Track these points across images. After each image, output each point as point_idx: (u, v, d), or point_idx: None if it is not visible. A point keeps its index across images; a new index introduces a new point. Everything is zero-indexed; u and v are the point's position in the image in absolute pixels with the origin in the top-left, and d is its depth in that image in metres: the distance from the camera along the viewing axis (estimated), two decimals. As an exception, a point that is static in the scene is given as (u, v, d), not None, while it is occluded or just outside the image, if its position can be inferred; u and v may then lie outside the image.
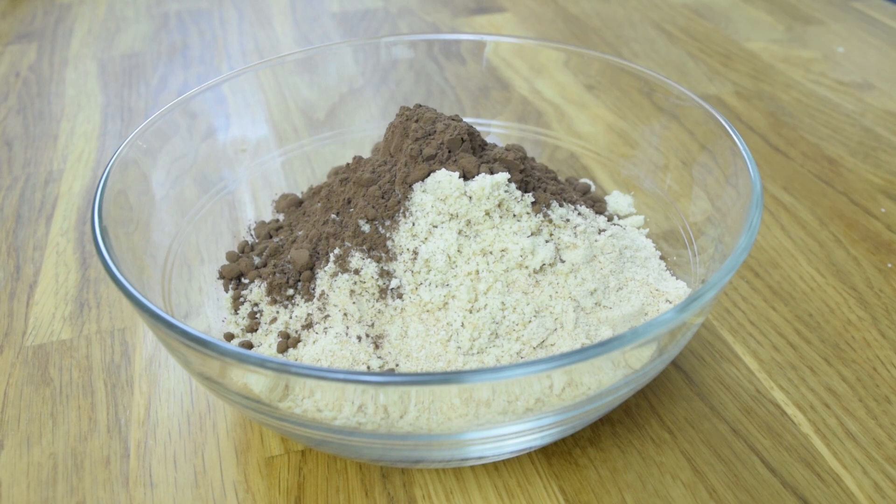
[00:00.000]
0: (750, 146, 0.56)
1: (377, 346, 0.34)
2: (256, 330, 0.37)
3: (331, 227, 0.37)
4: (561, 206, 0.37)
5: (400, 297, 0.34)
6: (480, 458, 0.31)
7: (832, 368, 0.38)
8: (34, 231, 0.50)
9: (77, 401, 0.38)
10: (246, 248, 0.41)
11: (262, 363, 0.25)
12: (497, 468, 0.33)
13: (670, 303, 0.36)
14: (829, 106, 0.62)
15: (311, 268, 0.36)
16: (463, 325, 0.33)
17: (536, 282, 0.34)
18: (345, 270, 0.34)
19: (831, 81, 0.66)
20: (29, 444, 0.35)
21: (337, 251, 0.35)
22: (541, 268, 0.34)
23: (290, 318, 0.35)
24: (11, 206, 0.53)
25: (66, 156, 0.58)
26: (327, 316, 0.34)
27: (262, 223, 0.44)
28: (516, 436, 0.29)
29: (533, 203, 0.36)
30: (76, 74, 0.71)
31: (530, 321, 0.33)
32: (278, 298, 0.36)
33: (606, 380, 0.28)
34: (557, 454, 0.34)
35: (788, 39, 0.74)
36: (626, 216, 0.45)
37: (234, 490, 0.33)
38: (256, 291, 0.37)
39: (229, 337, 0.37)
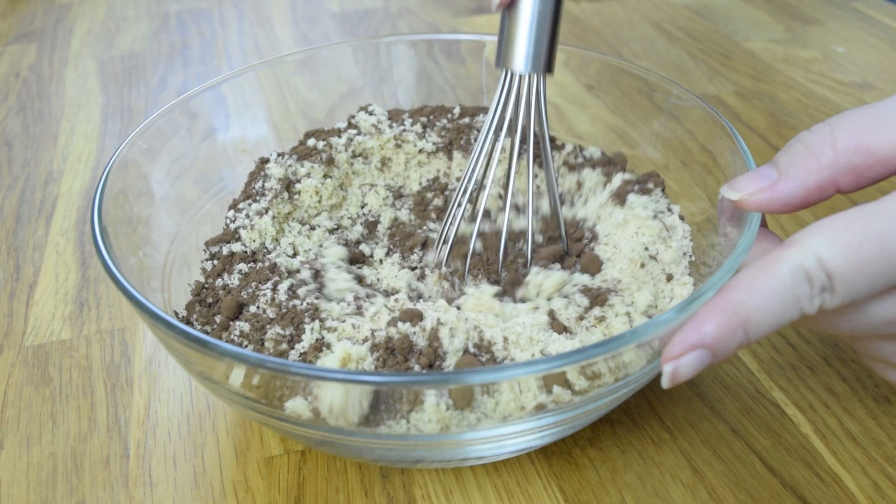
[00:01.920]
0: (750, 146, 0.56)
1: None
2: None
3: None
4: None
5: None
6: (480, 458, 0.31)
7: (832, 368, 0.38)
8: (34, 231, 0.50)
9: (77, 401, 0.38)
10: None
11: (262, 363, 0.25)
12: (497, 468, 0.33)
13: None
14: (829, 106, 0.62)
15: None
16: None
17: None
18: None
19: (831, 81, 0.66)
20: (29, 444, 0.35)
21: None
22: None
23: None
24: (11, 206, 0.53)
25: (66, 156, 0.58)
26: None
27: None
28: (516, 436, 0.29)
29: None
30: (76, 74, 0.71)
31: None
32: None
33: (606, 380, 0.28)
34: (557, 454, 0.34)
35: (788, 39, 0.74)
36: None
37: (234, 490, 0.33)
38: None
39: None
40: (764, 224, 0.31)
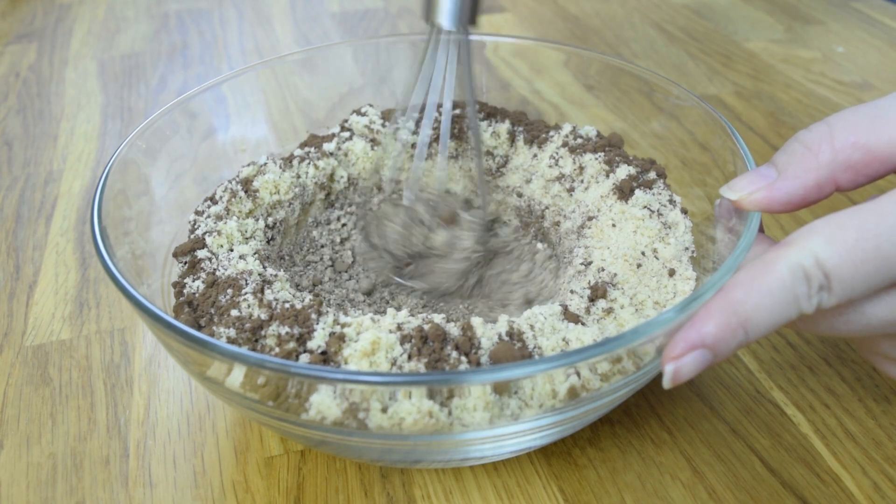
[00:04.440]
0: (750, 146, 0.56)
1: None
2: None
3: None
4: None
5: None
6: (480, 458, 0.31)
7: (832, 368, 0.38)
8: (34, 231, 0.50)
9: (76, 401, 0.38)
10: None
11: (262, 363, 0.25)
12: (496, 468, 0.33)
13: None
14: (829, 106, 0.62)
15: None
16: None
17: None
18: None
19: (831, 81, 0.66)
20: (28, 444, 0.35)
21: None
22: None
23: None
24: (11, 206, 0.53)
25: (65, 156, 0.58)
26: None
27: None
28: (516, 436, 0.29)
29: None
30: (76, 74, 0.71)
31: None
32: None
33: (627, 366, 0.28)
34: (557, 454, 0.34)
35: (788, 39, 0.74)
36: None
37: (234, 490, 0.33)
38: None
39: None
40: (761, 229, 0.31)
